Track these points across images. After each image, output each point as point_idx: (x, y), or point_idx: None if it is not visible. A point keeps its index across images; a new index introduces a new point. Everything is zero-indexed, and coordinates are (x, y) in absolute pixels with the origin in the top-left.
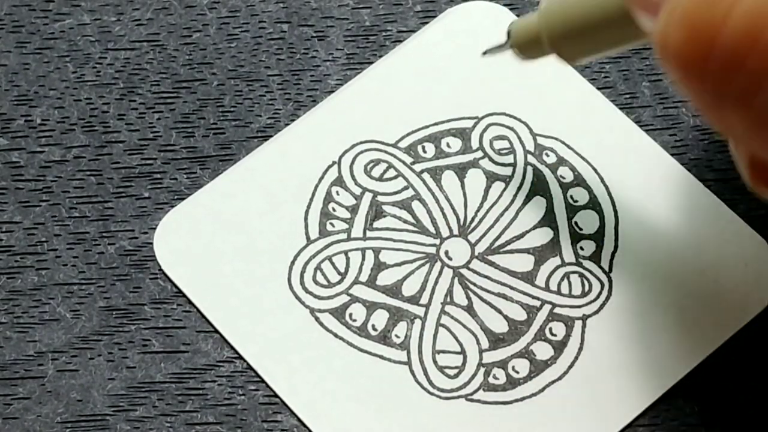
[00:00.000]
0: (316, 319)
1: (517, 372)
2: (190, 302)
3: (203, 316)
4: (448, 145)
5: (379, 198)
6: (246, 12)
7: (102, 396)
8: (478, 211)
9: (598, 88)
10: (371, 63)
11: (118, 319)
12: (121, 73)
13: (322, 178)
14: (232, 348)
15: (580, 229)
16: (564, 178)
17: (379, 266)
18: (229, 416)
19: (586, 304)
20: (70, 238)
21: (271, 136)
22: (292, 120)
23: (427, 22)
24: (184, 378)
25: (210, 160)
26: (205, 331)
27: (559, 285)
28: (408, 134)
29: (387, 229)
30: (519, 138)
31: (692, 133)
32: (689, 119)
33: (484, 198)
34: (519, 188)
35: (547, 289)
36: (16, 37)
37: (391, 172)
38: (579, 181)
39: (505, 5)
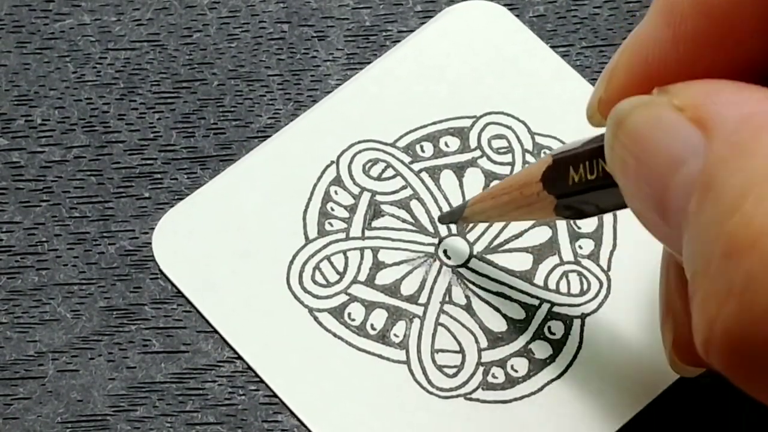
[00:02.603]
0: (315, 318)
1: (516, 371)
2: (190, 302)
3: (203, 316)
4: (446, 144)
5: (378, 197)
6: (246, 12)
7: (102, 396)
8: None
9: None
10: (371, 63)
11: (119, 319)
12: (121, 73)
13: (320, 177)
14: (233, 348)
15: (579, 228)
16: None
17: (377, 265)
18: (230, 416)
19: (585, 303)
20: (70, 238)
21: (271, 136)
22: (293, 120)
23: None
24: (184, 378)
25: (210, 160)
26: (205, 332)
27: (557, 284)
28: (406, 133)
29: (385, 228)
30: (517, 137)
31: None
32: None
33: None
34: None
35: (545, 288)
36: (17, 37)
37: (390, 172)
38: None
39: (504, 5)
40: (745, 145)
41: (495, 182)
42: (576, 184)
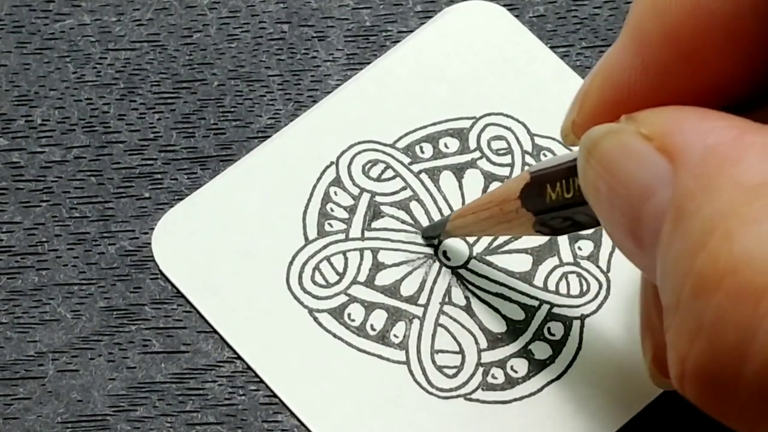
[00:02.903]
0: (315, 319)
1: (516, 371)
2: (190, 303)
3: (203, 317)
4: (445, 145)
5: (377, 198)
6: (246, 12)
7: (102, 396)
8: None
9: None
10: (371, 63)
11: (119, 319)
12: (121, 74)
13: (320, 178)
14: (232, 348)
15: None
16: None
17: (377, 266)
18: (230, 416)
19: (585, 304)
20: (70, 238)
21: (271, 137)
22: (293, 120)
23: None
24: (184, 378)
25: (210, 160)
26: (205, 332)
27: (557, 285)
28: (406, 134)
29: (385, 229)
30: (517, 138)
31: None
32: None
33: None
34: None
35: (545, 289)
36: (17, 37)
37: (389, 173)
38: None
39: (504, 5)
40: (711, 178)
41: (475, 197)
42: (553, 201)
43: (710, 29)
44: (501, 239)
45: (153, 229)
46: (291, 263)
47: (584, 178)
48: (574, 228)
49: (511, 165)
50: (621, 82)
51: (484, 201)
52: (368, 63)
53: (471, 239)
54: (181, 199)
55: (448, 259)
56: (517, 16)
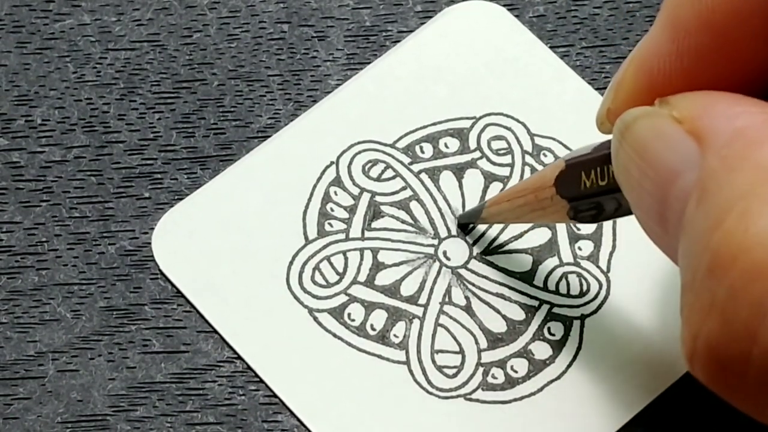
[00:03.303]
0: (315, 319)
1: (516, 371)
2: (190, 302)
3: (203, 317)
4: (446, 145)
5: (377, 198)
6: (246, 12)
7: (102, 396)
8: None
9: (599, 89)
10: (371, 63)
11: (119, 319)
12: (121, 73)
13: (320, 178)
14: (232, 348)
15: (578, 229)
16: None
17: (377, 266)
18: (230, 416)
19: (585, 304)
20: (70, 238)
21: (271, 137)
22: (293, 120)
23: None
24: (184, 378)
25: (210, 160)
26: (205, 332)
27: (557, 285)
28: (406, 134)
29: (385, 229)
30: (517, 138)
31: None
32: None
33: (482, 198)
34: None
35: (545, 289)
36: (17, 37)
37: (389, 173)
38: None
39: (504, 5)
40: (735, 159)
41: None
42: (588, 189)
43: (747, 16)
44: (501, 239)
45: (153, 228)
46: (291, 263)
47: (617, 161)
48: (607, 216)
49: (511, 165)
50: (655, 68)
51: (519, 188)
52: (368, 63)
53: (471, 239)
54: (181, 199)
55: (449, 258)
56: (517, 16)
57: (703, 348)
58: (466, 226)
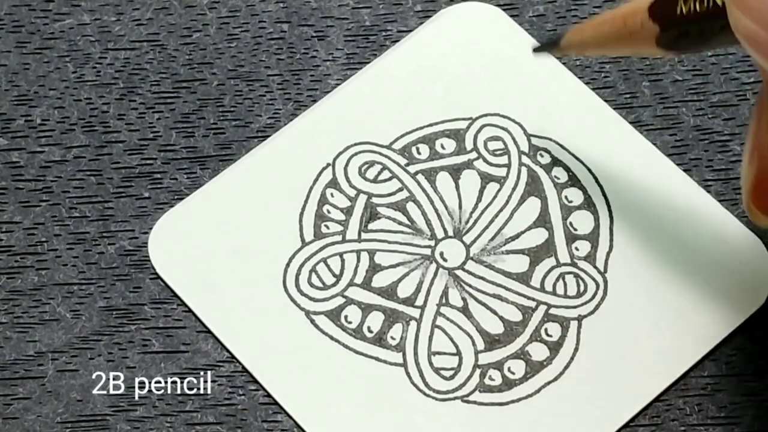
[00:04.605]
0: (311, 321)
1: (513, 373)
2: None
3: (198, 318)
4: (442, 146)
5: (374, 200)
6: (246, 12)
7: (102, 396)
8: (472, 212)
9: (599, 88)
10: (369, 64)
11: (118, 319)
12: (121, 73)
13: (316, 180)
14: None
15: (575, 230)
16: (558, 178)
17: (374, 268)
18: (229, 416)
19: (582, 305)
20: (70, 238)
21: (270, 136)
22: (292, 120)
23: None
24: (184, 378)
25: (210, 160)
26: (205, 332)
27: (554, 286)
28: (402, 135)
29: (382, 230)
30: (513, 139)
31: (692, 133)
32: (689, 119)
33: (479, 199)
34: (513, 189)
35: (542, 289)
36: (16, 37)
37: (386, 174)
38: (573, 181)
39: (500, 6)
40: None
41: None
42: (684, 15)
43: None
44: (498, 240)
45: (153, 228)
46: (288, 265)
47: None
48: (697, 45)
49: (508, 165)
50: None
51: (606, 16)
52: (368, 63)
53: (468, 240)
54: (181, 199)
55: (445, 260)
56: (517, 16)
57: None
58: (542, 52)
